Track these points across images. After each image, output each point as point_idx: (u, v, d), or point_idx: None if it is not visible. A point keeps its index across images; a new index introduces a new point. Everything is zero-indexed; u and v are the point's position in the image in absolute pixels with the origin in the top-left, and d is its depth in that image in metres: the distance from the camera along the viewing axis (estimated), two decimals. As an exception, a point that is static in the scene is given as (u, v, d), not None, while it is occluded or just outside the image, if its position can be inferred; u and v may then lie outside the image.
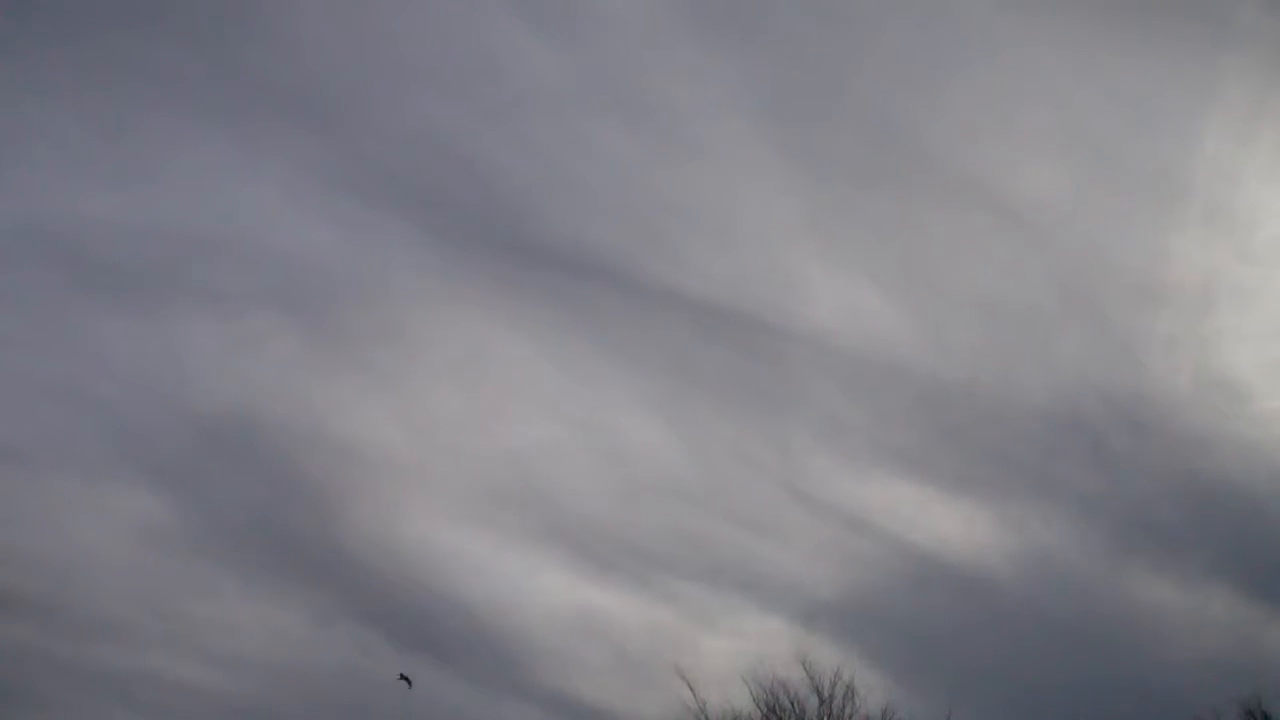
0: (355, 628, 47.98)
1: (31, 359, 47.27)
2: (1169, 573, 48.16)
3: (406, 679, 39.81)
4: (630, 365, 50.93)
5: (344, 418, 49.95)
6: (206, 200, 49.69)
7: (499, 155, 50.34)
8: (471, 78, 49.57)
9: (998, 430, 49.61)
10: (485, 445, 51.04)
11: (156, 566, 45.25)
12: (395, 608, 48.65)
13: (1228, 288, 48.84)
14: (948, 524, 49.90)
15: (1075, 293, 49.61)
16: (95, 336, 49.76)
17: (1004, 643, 48.11)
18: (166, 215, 49.98)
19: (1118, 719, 41.66)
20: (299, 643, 46.42)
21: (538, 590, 50.39)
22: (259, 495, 48.64)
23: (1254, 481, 48.07)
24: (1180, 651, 47.10)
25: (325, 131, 49.28)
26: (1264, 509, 47.72)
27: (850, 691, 40.73)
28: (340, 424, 49.78)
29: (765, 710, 40.05)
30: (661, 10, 49.04)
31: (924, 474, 50.05)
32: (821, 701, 40.54)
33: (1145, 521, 48.70)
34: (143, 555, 45.83)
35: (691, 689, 38.66)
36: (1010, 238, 49.24)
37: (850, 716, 40.48)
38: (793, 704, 40.39)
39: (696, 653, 48.40)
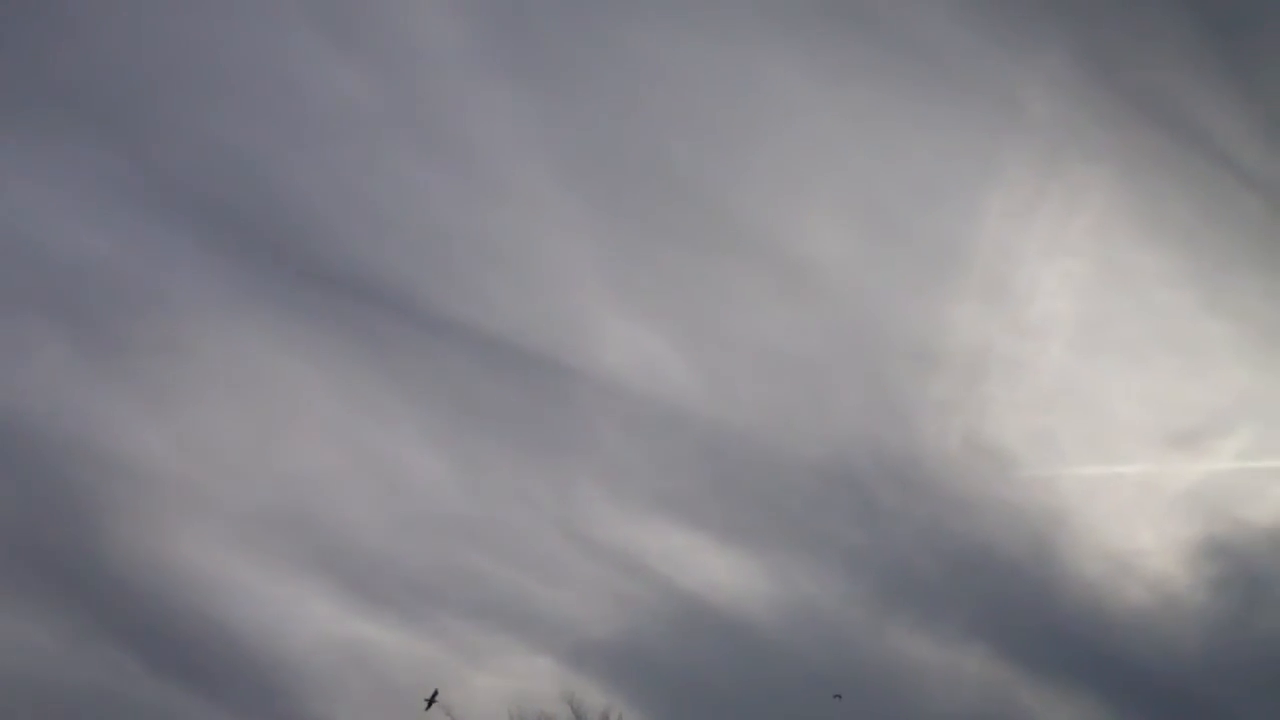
0: (110, 649, 46.59)
1: None
2: (929, 629, 49.69)
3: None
4: (415, 397, 50.55)
5: (113, 431, 48.47)
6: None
7: (295, 176, 49.52)
8: (272, 96, 48.71)
9: (772, 481, 50.65)
10: (260, 468, 50.08)
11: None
12: (156, 630, 47.41)
13: (1000, 358, 50.80)
14: (718, 570, 50.71)
15: (855, 354, 51.00)
16: None
17: (768, 689, 49.07)
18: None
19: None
20: (48, 660, 44.88)
21: (306, 619, 49.61)
22: (15, 506, 46.89)
23: (1013, 545, 50.03)
24: (936, 706, 48.72)
25: (112, 137, 47.74)
26: (1021, 572, 49.72)
27: None
28: (109, 437, 48.29)
29: (533, 750, 40.34)
30: (474, 47, 49.00)
31: (698, 520, 50.80)
32: (588, 740, 41.01)
33: (908, 578, 50.20)
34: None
35: (457, 725, 38.98)
36: (797, 298, 50.40)
37: (616, 756, 41.04)
38: None
39: (464, 689, 48.23)
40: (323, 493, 50.70)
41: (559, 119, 49.95)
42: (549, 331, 51.33)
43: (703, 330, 51.81)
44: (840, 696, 44.30)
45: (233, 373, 50.61)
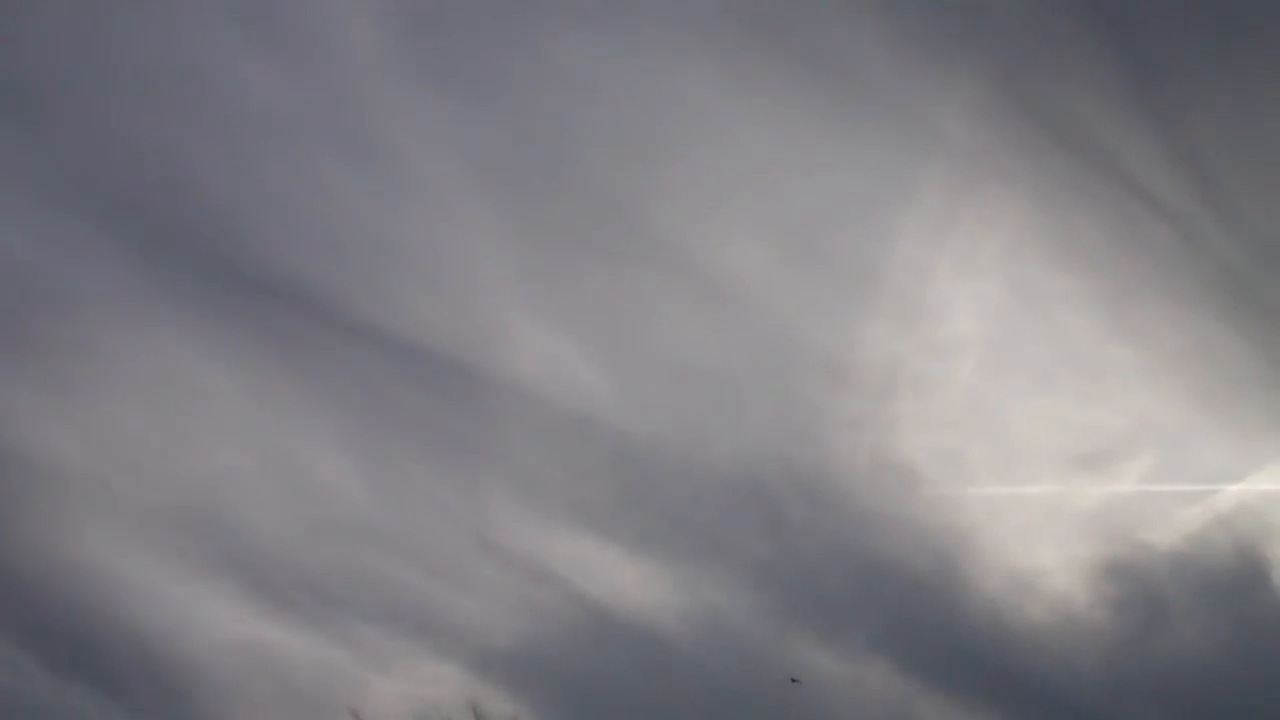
0: (7, 647, 46.12)
1: None
2: (833, 643, 50.10)
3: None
4: (326, 400, 50.33)
5: (14, 427, 47.86)
6: None
7: (209, 175, 49.12)
8: (186, 93, 48.26)
9: (682, 493, 50.85)
10: (166, 467, 49.65)
11: None
12: (55, 629, 46.92)
13: (910, 377, 51.23)
14: (627, 580, 50.88)
15: (768, 368, 51.28)
16: None
17: (675, 701, 49.31)
18: None
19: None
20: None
21: (209, 621, 49.27)
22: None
23: (919, 562, 50.52)
24: (839, 719, 49.19)
25: (19, 130, 47.05)
26: (925, 588, 50.25)
27: None
28: (9, 433, 47.69)
29: (433, 757, 40.32)
30: (393, 50, 48.88)
31: (608, 530, 50.94)
32: (493, 749, 41.06)
33: (815, 592, 50.61)
34: None
35: (363, 732, 38.89)
36: (712, 311, 50.67)
37: (521, 766, 41.09)
38: None
39: (369, 695, 48.16)
40: (230, 493, 50.39)
41: (477, 125, 49.99)
42: (463, 338, 51.32)
43: (616, 341, 52.04)
44: (797, 680, 44.63)
45: (139, 370, 50.21)
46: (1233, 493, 50.28)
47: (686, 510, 51.20)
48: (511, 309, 51.50)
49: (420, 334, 50.97)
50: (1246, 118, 48.15)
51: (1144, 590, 50.04)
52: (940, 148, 49.38)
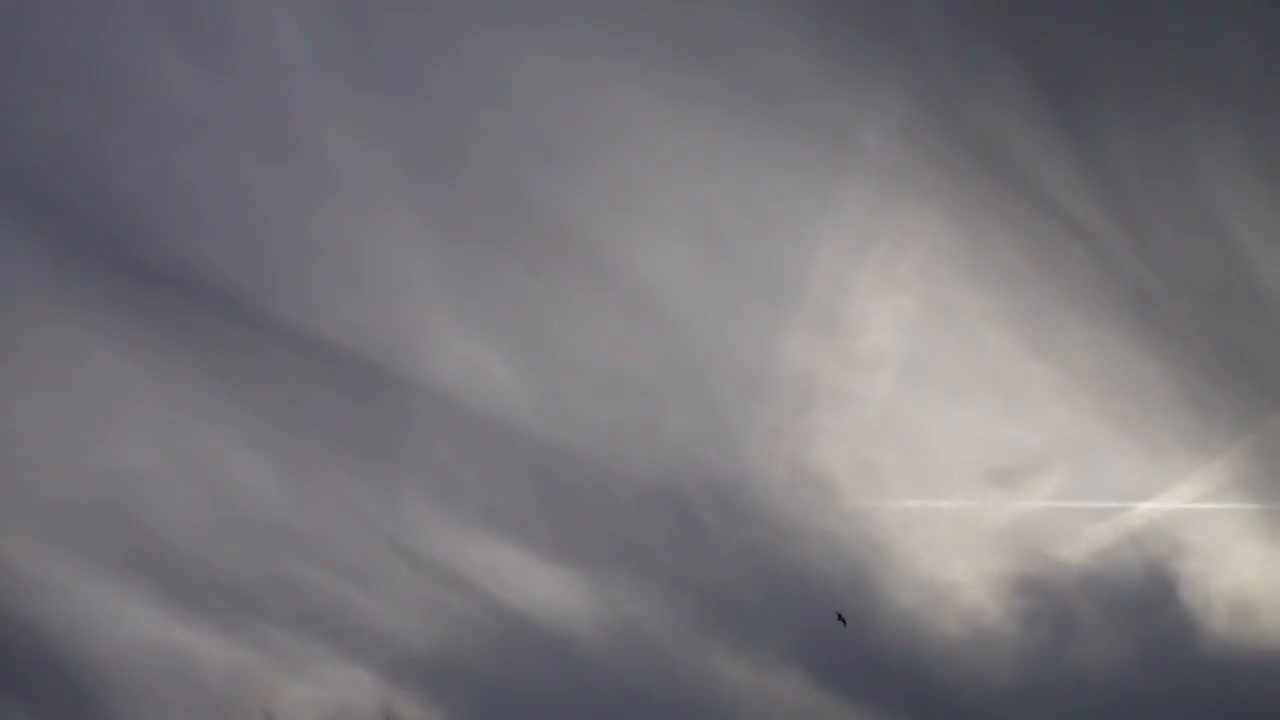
0: (-89, 646, 45.39)
1: None
2: (747, 653, 50.32)
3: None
4: (242, 400, 49.95)
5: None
6: None
7: (126, 170, 48.68)
8: (105, 88, 47.75)
9: (600, 501, 50.94)
10: (77, 465, 49.03)
11: None
12: (-40, 628, 46.24)
13: (827, 389, 51.67)
14: (543, 588, 50.87)
15: (687, 378, 51.50)
16: None
17: (590, 708, 49.30)
18: None
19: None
20: None
21: (119, 621, 48.79)
22: None
23: (833, 573, 50.89)
24: (751, 729, 49.37)
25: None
26: (839, 600, 50.50)
27: None
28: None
29: (345, 764, 40.00)
30: (316, 50, 48.69)
31: (525, 537, 50.90)
32: (404, 756, 40.76)
33: (730, 602, 50.82)
34: None
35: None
36: (632, 318, 50.82)
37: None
38: None
39: (281, 699, 47.82)
40: (142, 492, 49.92)
41: (399, 126, 49.88)
42: (382, 340, 51.13)
43: (537, 347, 52.05)
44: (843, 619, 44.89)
45: (52, 367, 49.56)
46: (1142, 510, 51.14)
47: (604, 518, 51.36)
48: (433, 312, 51.45)
49: (340, 336, 50.79)
50: (1160, 142, 49.06)
51: (1054, 605, 50.73)
52: (862, 163, 49.89)
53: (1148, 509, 50.80)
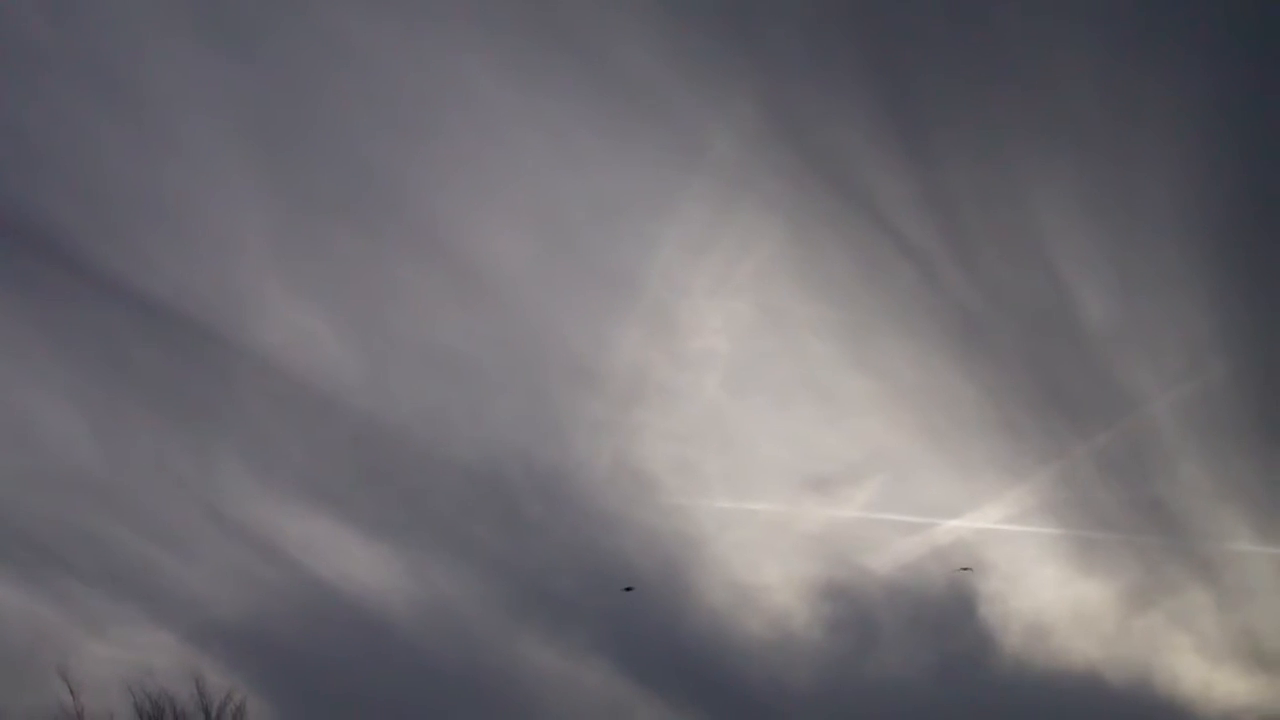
0: None
1: None
2: (558, 639, 50.67)
3: None
4: (57, 349, 48.76)
5: None
6: None
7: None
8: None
9: (422, 480, 50.85)
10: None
11: None
12: None
13: (656, 386, 52.24)
14: (358, 563, 50.64)
15: (518, 363, 51.65)
16: None
17: (396, 686, 49.14)
18: None
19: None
20: None
21: (-88, 566, 47.31)
22: None
23: (647, 568, 51.53)
24: (556, 715, 49.68)
25: None
26: (651, 594, 51.16)
27: (238, 714, 40.58)
28: None
29: (147, 723, 39.30)
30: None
31: (343, 511, 50.63)
32: (209, 720, 40.17)
33: (544, 588, 51.15)
34: None
35: (72, 693, 37.58)
36: (466, 298, 50.78)
37: (238, 740, 40.28)
38: (177, 719, 39.86)
39: (80, 657, 46.54)
40: (-57, 436, 48.37)
41: (242, 82, 48.99)
42: (209, 300, 50.30)
43: (367, 319, 51.69)
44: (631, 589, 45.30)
45: None
46: (950, 527, 52.71)
47: (423, 497, 51.30)
48: (263, 276, 50.75)
49: (167, 292, 49.82)
50: (995, 173, 50.50)
51: (859, 613, 52.00)
52: (709, 164, 50.47)
53: (955, 526, 52.38)
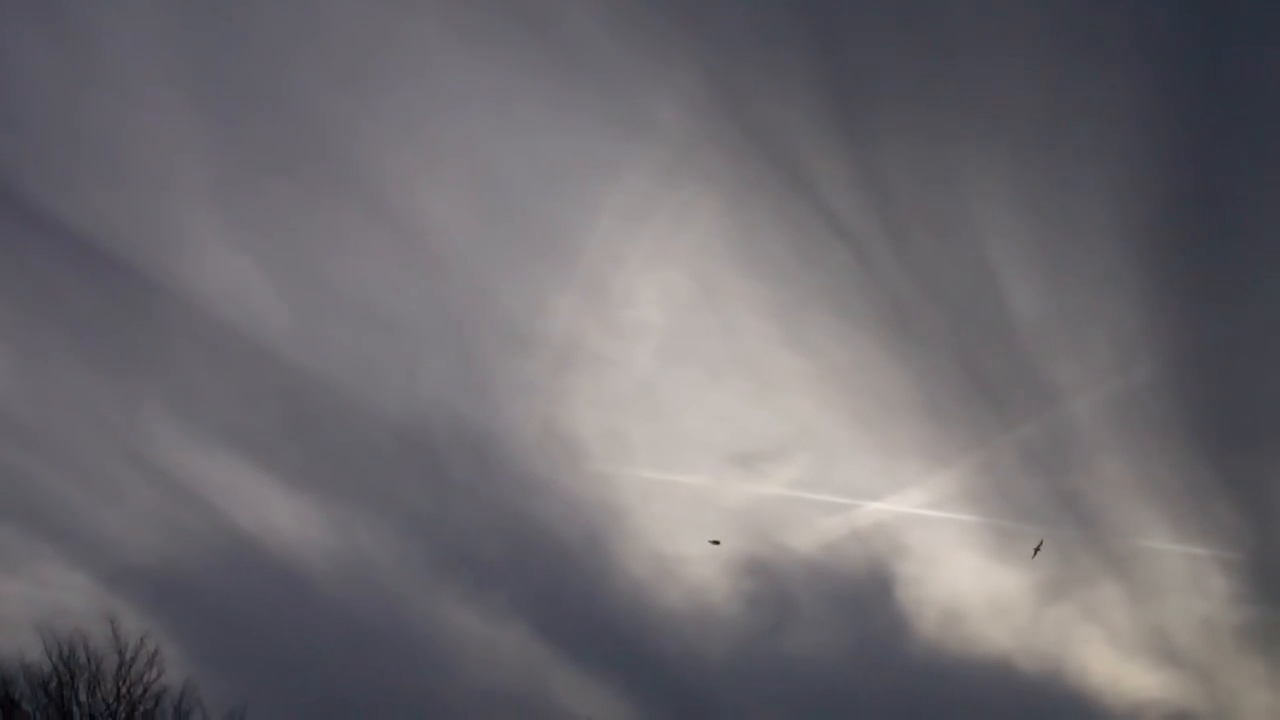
0: None
1: None
2: (477, 601, 50.67)
3: None
4: (-19, 284, 47.95)
5: None
6: None
7: None
8: None
9: (348, 434, 50.68)
10: None
11: None
12: None
13: (588, 354, 52.40)
14: (280, 514, 50.49)
15: (451, 322, 51.70)
16: None
17: (312, 640, 48.94)
18: None
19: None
20: None
21: None
22: None
23: (570, 534, 51.68)
24: (473, 679, 49.70)
25: None
26: (573, 560, 51.36)
27: (152, 659, 40.15)
28: None
29: (58, 663, 38.81)
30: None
31: (267, 461, 50.41)
32: (122, 663, 39.72)
33: (466, 550, 51.17)
34: None
35: (-20, 628, 37.16)
36: (402, 255, 50.75)
37: (150, 684, 39.87)
38: (90, 660, 39.36)
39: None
40: None
41: (185, 21, 48.44)
42: (142, 241, 49.86)
43: (301, 270, 51.49)
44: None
45: None
46: (871, 510, 53.26)
47: (349, 451, 51.13)
48: (197, 219, 50.39)
49: (96, 229, 49.30)
50: (931, 157, 50.95)
51: (778, 590, 52.44)
52: (650, 135, 50.69)
53: (877, 509, 52.95)
